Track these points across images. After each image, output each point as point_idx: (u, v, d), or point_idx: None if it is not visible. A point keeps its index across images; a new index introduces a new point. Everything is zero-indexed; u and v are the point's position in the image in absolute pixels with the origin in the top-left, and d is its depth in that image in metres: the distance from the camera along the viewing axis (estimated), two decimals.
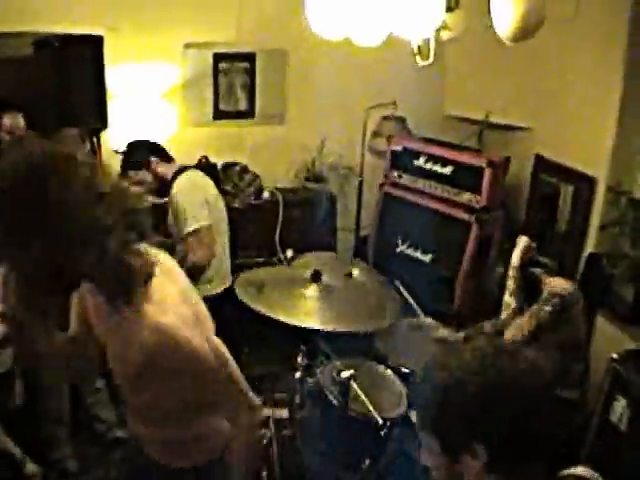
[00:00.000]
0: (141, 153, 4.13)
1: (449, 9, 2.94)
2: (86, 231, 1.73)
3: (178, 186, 4.01)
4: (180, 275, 2.26)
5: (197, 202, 3.98)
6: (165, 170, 4.12)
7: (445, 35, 3.18)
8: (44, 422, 4.04)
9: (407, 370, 3.67)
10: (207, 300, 3.63)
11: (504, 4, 2.31)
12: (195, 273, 3.96)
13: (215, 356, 2.11)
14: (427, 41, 2.81)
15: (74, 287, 1.97)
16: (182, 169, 4.12)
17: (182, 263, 3.92)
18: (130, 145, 4.23)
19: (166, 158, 4.20)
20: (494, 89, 5.28)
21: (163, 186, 4.09)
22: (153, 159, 4.10)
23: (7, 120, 4.78)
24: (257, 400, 2.30)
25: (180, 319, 2.02)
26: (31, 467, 3.31)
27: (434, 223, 5.03)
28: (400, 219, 5.34)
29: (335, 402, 3.17)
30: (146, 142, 4.29)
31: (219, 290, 4.24)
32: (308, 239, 5.08)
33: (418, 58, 2.85)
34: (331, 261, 4.05)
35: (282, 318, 3.14)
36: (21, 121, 4.81)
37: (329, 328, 3.23)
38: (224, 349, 2.19)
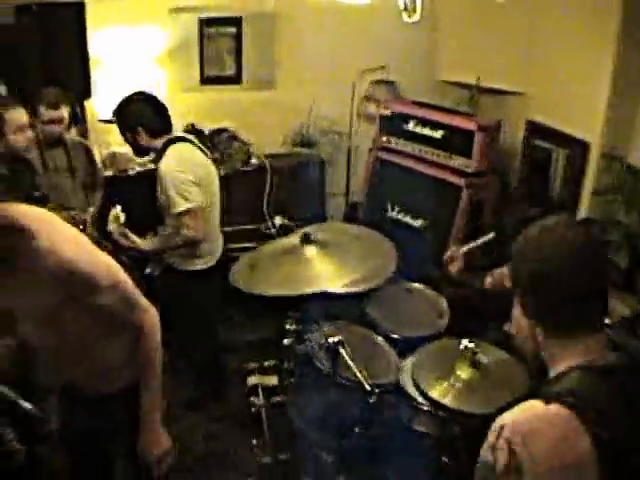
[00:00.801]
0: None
1: None
2: None
3: (166, 165, 3.92)
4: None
5: (187, 181, 3.91)
6: (150, 142, 4.04)
7: None
8: None
9: (397, 336, 3.63)
10: (199, 273, 3.63)
11: None
12: (189, 246, 3.98)
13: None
14: None
15: None
16: (171, 140, 4.03)
17: (171, 238, 3.93)
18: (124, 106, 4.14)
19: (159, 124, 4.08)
20: (487, 53, 5.21)
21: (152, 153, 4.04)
22: (140, 129, 4.02)
23: None
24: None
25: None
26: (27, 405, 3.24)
27: (425, 188, 4.97)
28: (390, 184, 5.28)
29: (324, 368, 3.12)
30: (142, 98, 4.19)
31: (211, 264, 4.20)
32: (297, 205, 5.03)
33: (405, 15, 2.78)
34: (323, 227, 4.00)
35: (276, 292, 3.07)
36: (2, 89, 4.75)
37: (340, 289, 3.19)
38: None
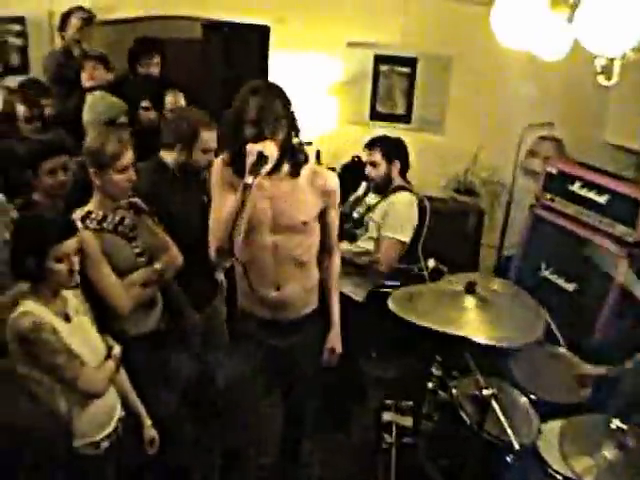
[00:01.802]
0: None
1: None
2: None
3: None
4: None
5: None
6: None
7: (633, 56, 3.03)
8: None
9: (535, 398, 3.57)
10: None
11: None
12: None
13: None
14: (612, 60, 2.70)
15: None
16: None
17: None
18: None
19: None
20: None
21: None
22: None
23: (169, 98, 4.92)
24: None
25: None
26: (152, 433, 3.35)
27: (582, 252, 4.86)
28: (547, 243, 5.17)
29: (468, 420, 3.10)
30: None
31: None
32: (450, 251, 5.00)
33: (601, 78, 2.74)
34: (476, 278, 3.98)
35: (426, 323, 3.08)
36: (182, 101, 4.92)
37: (486, 340, 3.16)
38: None
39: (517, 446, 2.86)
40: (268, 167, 2.86)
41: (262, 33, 5.55)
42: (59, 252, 2.76)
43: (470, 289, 3.22)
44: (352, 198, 4.85)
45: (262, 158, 2.82)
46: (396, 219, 4.57)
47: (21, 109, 4.49)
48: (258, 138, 2.89)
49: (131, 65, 5.68)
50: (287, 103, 3.09)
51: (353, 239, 4.63)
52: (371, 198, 4.73)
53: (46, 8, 6.59)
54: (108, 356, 3.02)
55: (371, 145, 4.68)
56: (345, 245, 4.54)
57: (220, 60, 5.55)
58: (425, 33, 5.63)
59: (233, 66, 5.50)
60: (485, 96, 5.47)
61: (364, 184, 4.82)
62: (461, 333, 3.03)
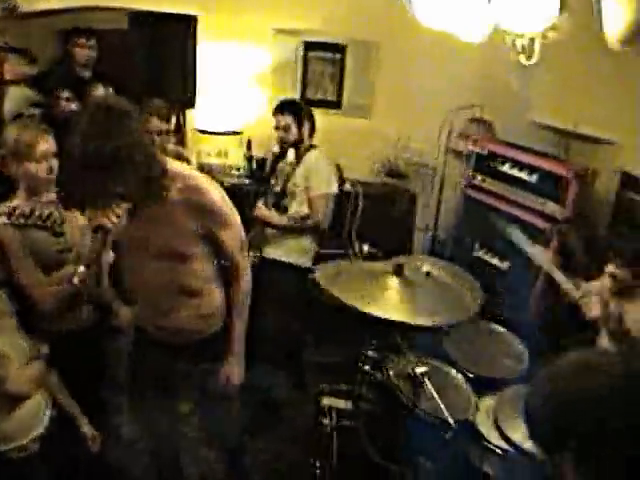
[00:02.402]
0: None
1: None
2: None
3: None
4: None
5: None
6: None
7: (552, 36, 3.09)
8: (104, 387, 4.08)
9: (472, 375, 3.62)
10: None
11: (617, 5, 2.24)
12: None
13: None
14: (533, 40, 2.75)
15: None
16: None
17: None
18: None
19: None
20: (585, 99, 5.15)
21: None
22: None
23: (97, 92, 4.87)
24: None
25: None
26: (90, 431, 3.33)
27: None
28: (479, 223, 5.25)
29: (403, 398, 3.13)
30: None
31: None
32: (384, 235, 5.04)
33: (522, 57, 2.79)
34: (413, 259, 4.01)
35: (351, 302, 3.10)
36: (101, 90, 4.88)
37: (413, 321, 3.19)
38: None
39: (451, 422, 2.90)
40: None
41: (189, 23, 5.51)
42: None
43: (398, 271, 3.25)
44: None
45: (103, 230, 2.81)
46: (318, 176, 4.70)
47: None
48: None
49: (64, 50, 5.57)
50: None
51: (285, 211, 4.74)
52: (286, 164, 4.82)
53: None
54: (36, 357, 2.98)
55: (281, 109, 4.79)
56: (278, 217, 4.73)
57: (147, 51, 5.48)
58: (353, 19, 5.63)
59: (160, 57, 5.43)
60: (413, 80, 5.48)
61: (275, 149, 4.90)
62: (378, 312, 3.07)
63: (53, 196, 3.36)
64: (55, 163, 3.27)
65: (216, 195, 2.92)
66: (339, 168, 5.39)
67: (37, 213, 3.28)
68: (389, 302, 3.17)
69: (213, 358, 3.22)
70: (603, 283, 3.29)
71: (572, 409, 1.43)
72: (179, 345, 3.13)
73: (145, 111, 4.07)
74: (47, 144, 3.27)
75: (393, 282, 3.26)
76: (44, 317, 3.27)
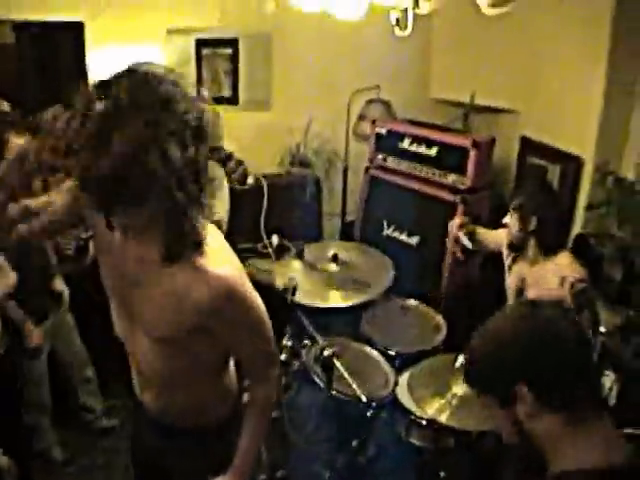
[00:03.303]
0: None
1: None
2: None
3: None
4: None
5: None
6: None
7: (424, 7, 3.11)
8: (26, 411, 4.01)
9: (393, 352, 3.65)
10: None
11: None
12: None
13: None
14: (405, 12, 2.77)
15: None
16: None
17: None
18: None
19: None
20: (479, 71, 5.24)
21: None
22: None
23: None
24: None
25: (237, 269, 2.01)
26: (5, 462, 3.25)
27: (420, 205, 4.99)
28: (386, 202, 5.30)
29: (320, 382, 3.14)
30: None
31: None
32: (293, 225, 5.04)
33: (397, 29, 2.81)
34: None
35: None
36: (5, 106, 4.78)
37: (320, 304, 3.19)
38: None
39: (364, 398, 2.92)
40: None
41: (77, 29, 5.42)
42: None
43: (300, 255, 3.27)
44: None
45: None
46: None
47: None
48: None
49: None
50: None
51: None
52: None
53: None
54: None
55: None
56: None
57: (35, 62, 5.39)
58: (244, 13, 5.61)
59: (50, 67, 5.35)
60: (308, 68, 5.49)
61: None
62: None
63: None
64: None
65: (212, 294, 1.93)
66: (242, 163, 5.36)
67: None
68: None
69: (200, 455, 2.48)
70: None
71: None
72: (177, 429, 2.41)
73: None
74: None
75: (297, 266, 3.28)
76: None
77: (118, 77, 1.71)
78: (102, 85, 1.69)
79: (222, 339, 2.10)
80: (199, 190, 1.81)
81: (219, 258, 1.96)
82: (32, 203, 2.13)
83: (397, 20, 2.77)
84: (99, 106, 1.65)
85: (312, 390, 3.29)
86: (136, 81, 1.71)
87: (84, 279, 4.24)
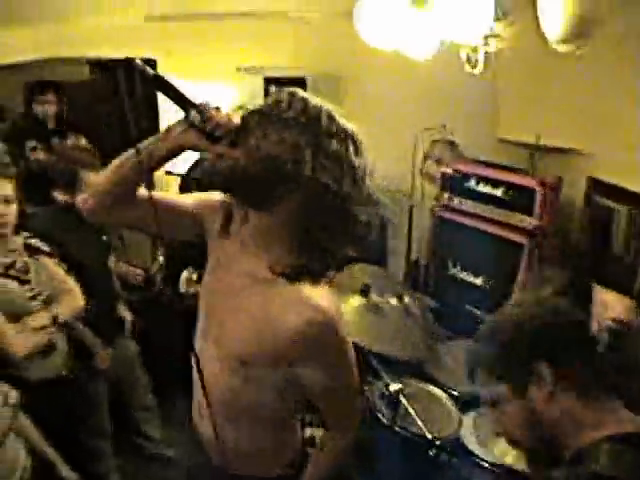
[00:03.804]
0: None
1: (498, 19, 2.89)
2: None
3: None
4: None
5: None
6: None
7: (495, 44, 3.12)
8: (87, 435, 4.05)
9: (457, 393, 3.61)
10: None
11: (553, 3, 2.26)
12: None
13: None
14: (476, 50, 2.78)
15: None
16: None
17: None
18: None
19: None
20: (547, 110, 5.20)
21: None
22: None
23: (70, 142, 4.90)
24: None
25: (339, 309, 1.93)
26: (71, 475, 3.29)
27: (485, 245, 4.95)
28: (452, 242, 5.27)
29: (383, 418, 3.11)
30: None
31: None
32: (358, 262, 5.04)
33: (467, 66, 2.82)
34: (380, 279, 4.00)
35: None
36: (83, 142, 4.90)
37: (375, 348, 3.16)
38: None
39: (430, 437, 2.88)
40: None
41: (149, 66, 5.55)
42: None
43: (365, 291, 3.26)
44: None
45: None
46: None
47: None
48: None
49: (26, 105, 5.69)
50: None
51: None
52: None
53: None
54: (4, 404, 2.94)
55: None
56: None
57: (111, 98, 5.56)
58: (314, 54, 5.68)
59: (122, 104, 5.50)
60: (376, 106, 5.52)
61: None
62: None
63: (17, 241, 3.39)
64: (6, 208, 3.30)
65: (305, 319, 1.85)
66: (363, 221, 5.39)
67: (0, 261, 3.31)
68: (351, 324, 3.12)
69: None
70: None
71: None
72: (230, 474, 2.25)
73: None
74: None
75: (357, 302, 3.26)
76: (13, 364, 3.26)
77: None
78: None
79: (307, 379, 1.95)
80: (352, 228, 1.91)
81: (322, 291, 1.88)
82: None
83: (468, 57, 2.78)
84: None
85: (375, 427, 3.26)
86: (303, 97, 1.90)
87: (149, 308, 4.34)
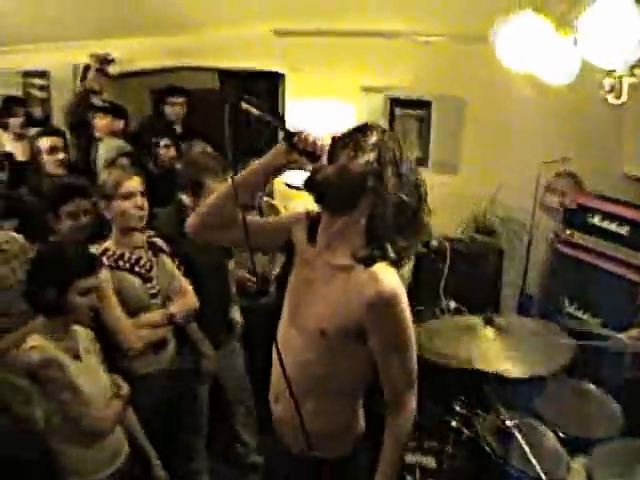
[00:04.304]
0: None
1: None
2: None
3: None
4: None
5: None
6: None
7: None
8: (184, 432, 4.08)
9: (563, 435, 3.46)
10: None
11: None
12: None
13: None
14: (619, 79, 2.68)
15: None
16: None
17: None
18: None
19: None
20: None
21: None
22: None
23: (196, 149, 4.99)
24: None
25: (402, 287, 2.33)
26: (161, 473, 3.33)
27: (605, 285, 4.77)
28: (569, 279, 5.09)
29: (493, 454, 3.01)
30: None
31: None
32: (470, 291, 4.93)
33: (610, 97, 2.72)
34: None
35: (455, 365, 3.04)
36: (208, 149, 4.98)
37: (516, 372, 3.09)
38: None
39: (544, 477, 2.77)
40: None
41: (277, 81, 5.64)
42: (84, 286, 2.82)
43: (489, 321, 3.18)
44: None
45: None
46: None
47: (46, 146, 4.70)
48: None
49: (156, 107, 5.86)
50: None
51: None
52: None
53: (70, 61, 6.73)
54: (116, 396, 2.99)
55: None
56: None
57: (236, 108, 5.67)
58: (439, 75, 5.64)
59: (248, 114, 5.61)
60: (500, 135, 5.44)
61: None
62: (489, 369, 2.99)
63: (143, 238, 3.47)
64: (142, 201, 3.38)
65: (384, 287, 2.26)
66: (427, 225, 5.33)
67: (126, 257, 3.39)
68: (489, 354, 3.12)
69: None
70: None
71: None
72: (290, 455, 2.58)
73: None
74: (133, 182, 3.47)
75: (489, 333, 3.20)
76: (126, 357, 3.36)
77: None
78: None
79: (375, 346, 2.34)
80: (418, 208, 2.36)
81: (388, 273, 2.30)
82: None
83: (612, 87, 2.68)
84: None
85: (482, 462, 3.16)
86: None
87: (261, 315, 4.36)
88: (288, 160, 2.37)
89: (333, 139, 2.34)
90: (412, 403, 2.45)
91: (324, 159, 2.30)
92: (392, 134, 2.39)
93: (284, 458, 2.61)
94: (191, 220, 2.54)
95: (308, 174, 2.33)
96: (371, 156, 2.27)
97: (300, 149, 2.30)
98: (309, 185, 2.34)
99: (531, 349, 3.23)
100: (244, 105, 2.31)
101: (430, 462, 3.63)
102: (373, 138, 2.31)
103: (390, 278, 2.28)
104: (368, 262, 2.28)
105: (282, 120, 2.33)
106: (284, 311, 2.58)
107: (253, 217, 2.73)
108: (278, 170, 2.44)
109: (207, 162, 3.93)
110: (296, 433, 2.42)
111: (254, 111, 2.30)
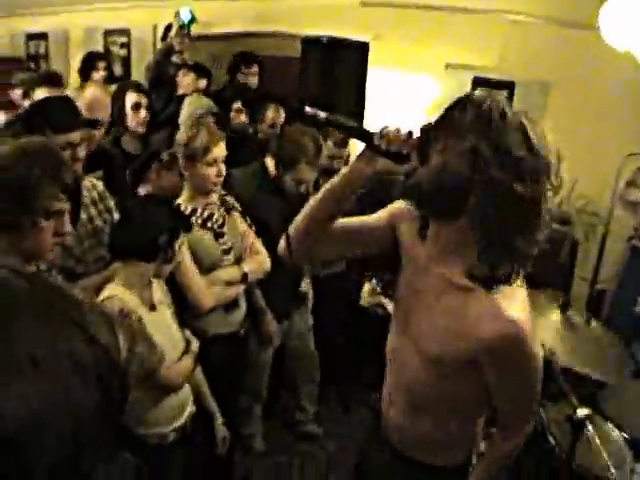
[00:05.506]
0: None
1: None
2: None
3: None
4: None
5: None
6: None
7: None
8: (242, 394, 4.08)
9: (627, 436, 3.34)
10: None
11: None
12: None
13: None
14: None
15: None
16: None
17: None
18: None
19: None
20: None
21: None
22: None
23: (270, 113, 4.95)
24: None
25: (529, 320, 1.95)
26: (223, 432, 3.32)
27: None
28: None
29: (556, 447, 2.91)
30: None
31: None
32: (543, 280, 4.82)
33: None
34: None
35: None
36: (283, 115, 4.94)
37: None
38: None
39: (612, 471, 2.66)
40: None
41: (360, 50, 5.57)
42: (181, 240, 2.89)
43: (564, 307, 3.08)
44: None
45: None
46: None
47: (132, 101, 4.62)
48: None
49: (231, 74, 5.85)
50: None
51: None
52: None
53: (151, 21, 6.75)
54: (186, 351, 2.99)
55: None
56: None
57: (318, 76, 5.62)
58: (524, 57, 5.51)
59: (330, 83, 5.56)
60: (584, 124, 5.27)
61: None
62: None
63: (215, 198, 3.45)
64: (223, 167, 3.43)
65: (501, 326, 1.92)
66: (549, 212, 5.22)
67: (199, 213, 3.38)
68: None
69: None
70: None
71: None
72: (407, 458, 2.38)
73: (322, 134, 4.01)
74: (220, 149, 3.44)
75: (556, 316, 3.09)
76: (196, 316, 3.35)
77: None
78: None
79: (490, 381, 2.06)
80: (535, 222, 1.88)
81: (515, 301, 1.93)
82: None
83: None
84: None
85: (543, 453, 3.07)
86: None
87: (332, 284, 4.32)
88: (375, 168, 2.00)
89: (422, 131, 1.92)
90: (525, 431, 2.24)
91: (414, 158, 1.92)
92: (488, 107, 1.83)
93: (386, 456, 2.44)
94: (285, 249, 2.29)
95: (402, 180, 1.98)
96: (467, 144, 1.82)
97: (383, 150, 1.92)
98: (404, 193, 2.04)
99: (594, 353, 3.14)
100: (309, 110, 1.99)
101: None
102: (466, 121, 1.84)
103: (515, 309, 1.90)
104: (488, 284, 1.91)
105: (357, 121, 2.03)
106: (393, 317, 2.35)
107: (349, 220, 2.26)
108: (364, 181, 2.04)
109: (305, 143, 3.82)
110: (401, 435, 2.35)
111: (321, 114, 1.99)
